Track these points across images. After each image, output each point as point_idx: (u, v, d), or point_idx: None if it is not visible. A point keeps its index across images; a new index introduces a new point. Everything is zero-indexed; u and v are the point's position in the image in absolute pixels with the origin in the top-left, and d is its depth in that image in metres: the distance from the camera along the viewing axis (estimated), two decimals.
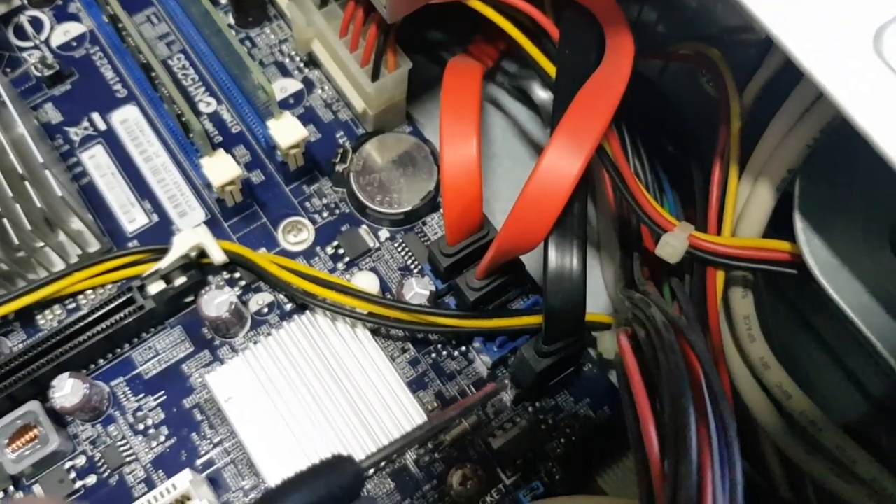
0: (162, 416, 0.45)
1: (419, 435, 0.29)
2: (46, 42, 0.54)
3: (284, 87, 0.53)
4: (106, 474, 0.44)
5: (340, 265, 0.49)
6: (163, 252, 0.46)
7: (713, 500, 0.27)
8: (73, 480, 0.44)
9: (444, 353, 0.47)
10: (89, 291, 0.47)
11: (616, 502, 0.43)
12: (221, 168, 0.46)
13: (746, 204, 0.37)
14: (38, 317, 0.47)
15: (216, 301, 0.45)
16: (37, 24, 0.55)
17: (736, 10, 0.28)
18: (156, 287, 0.45)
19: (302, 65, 0.54)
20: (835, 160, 0.35)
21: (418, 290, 0.46)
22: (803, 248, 0.34)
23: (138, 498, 0.41)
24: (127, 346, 0.47)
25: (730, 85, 0.39)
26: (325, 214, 0.50)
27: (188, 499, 0.41)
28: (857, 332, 0.33)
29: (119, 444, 0.45)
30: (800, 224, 0.34)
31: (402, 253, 0.49)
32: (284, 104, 0.53)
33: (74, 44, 0.54)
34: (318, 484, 0.24)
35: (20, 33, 0.54)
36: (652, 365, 0.33)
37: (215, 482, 0.44)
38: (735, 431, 0.28)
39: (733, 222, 0.38)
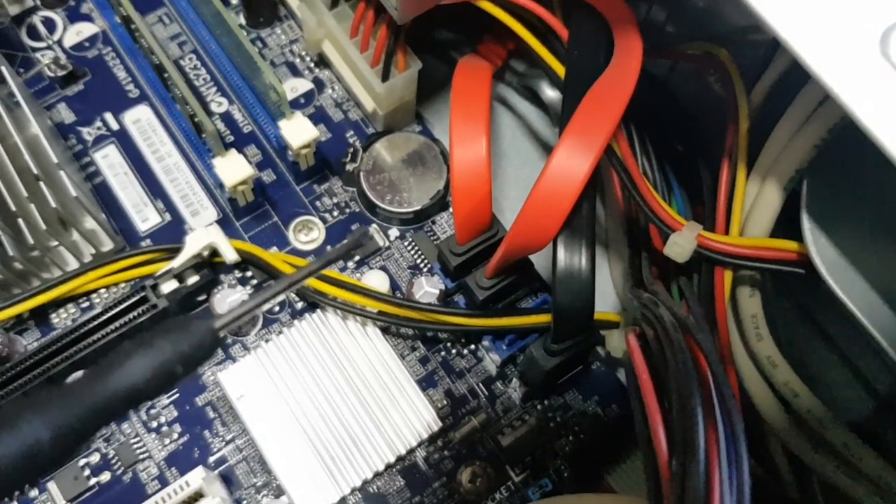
0: (175, 413, 0.46)
1: (278, 289, 0.25)
2: (59, 42, 0.55)
3: (295, 87, 0.54)
4: (120, 471, 0.45)
5: (351, 264, 0.49)
6: (175, 251, 0.46)
7: (720, 498, 0.27)
8: (88, 477, 0.44)
9: (454, 351, 0.48)
10: (103, 290, 0.48)
11: (624, 500, 0.43)
12: (234, 168, 0.46)
13: (754, 204, 0.37)
14: (53, 315, 0.48)
15: (229, 300, 0.45)
16: (50, 24, 0.55)
17: (744, 9, 0.28)
18: (169, 286, 0.46)
19: (312, 65, 0.54)
20: (842, 160, 0.35)
21: (428, 288, 0.46)
22: (811, 247, 0.34)
23: (152, 495, 0.42)
24: None
25: (738, 85, 0.39)
26: (335, 213, 0.51)
27: (201, 496, 0.42)
28: (863, 332, 0.33)
29: (133, 441, 0.45)
30: (807, 224, 0.34)
31: (412, 252, 0.50)
32: (295, 104, 0.53)
33: (87, 44, 0.55)
34: (164, 345, 0.21)
35: (33, 34, 0.55)
36: (660, 364, 0.33)
37: (228, 479, 0.45)
38: (743, 430, 0.29)
39: (741, 222, 0.38)
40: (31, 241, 0.44)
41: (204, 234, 0.46)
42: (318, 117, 0.53)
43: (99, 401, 0.20)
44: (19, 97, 0.47)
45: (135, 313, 0.45)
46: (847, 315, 0.33)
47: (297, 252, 0.49)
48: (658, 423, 0.31)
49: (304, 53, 0.54)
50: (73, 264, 0.47)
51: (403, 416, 0.45)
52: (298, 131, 0.47)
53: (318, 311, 0.47)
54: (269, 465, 0.44)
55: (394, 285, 0.49)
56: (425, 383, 0.47)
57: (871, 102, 0.26)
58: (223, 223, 0.49)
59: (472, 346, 0.48)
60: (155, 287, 0.46)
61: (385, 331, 0.47)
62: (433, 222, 0.51)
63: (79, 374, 0.43)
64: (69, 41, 0.55)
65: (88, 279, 0.46)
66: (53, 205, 0.44)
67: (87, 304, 0.48)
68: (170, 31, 0.55)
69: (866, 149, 0.27)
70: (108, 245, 0.48)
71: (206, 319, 0.21)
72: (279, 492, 0.44)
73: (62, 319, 0.48)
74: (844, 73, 0.27)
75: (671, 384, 0.31)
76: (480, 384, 0.47)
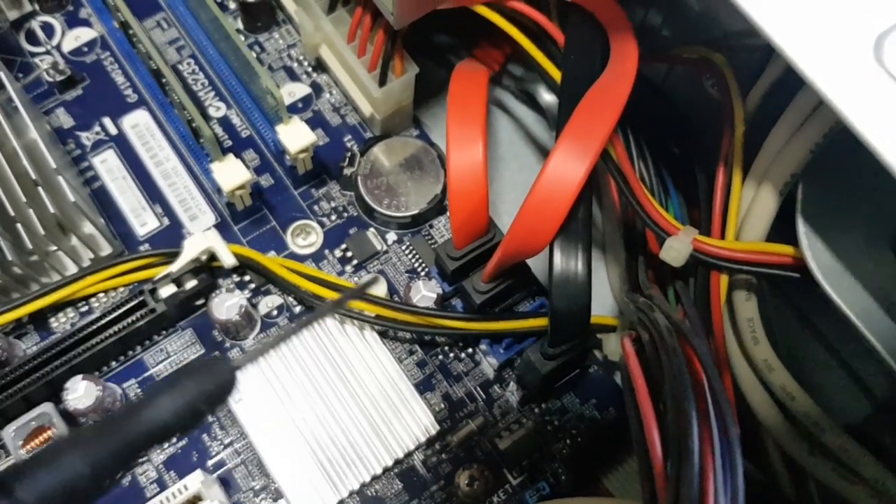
0: None
1: (299, 325, 0.27)
2: (58, 47, 0.55)
3: (293, 92, 0.54)
4: (119, 475, 0.45)
5: (348, 268, 0.50)
6: (174, 255, 0.46)
7: (714, 501, 0.27)
8: None
9: (452, 355, 0.48)
10: (101, 294, 0.48)
11: (620, 503, 0.43)
12: (231, 173, 0.46)
13: (750, 208, 0.38)
14: (52, 320, 0.48)
15: (226, 304, 0.45)
16: (48, 29, 0.55)
17: (740, 14, 0.28)
18: (167, 290, 0.46)
19: (310, 69, 0.54)
20: (837, 165, 0.35)
21: (425, 292, 0.46)
22: (806, 251, 0.34)
23: (150, 498, 0.42)
24: (139, 348, 0.47)
25: (733, 89, 0.39)
26: (333, 218, 0.51)
27: (199, 499, 0.42)
28: (859, 335, 0.33)
29: None
30: (802, 228, 0.34)
31: (410, 256, 0.50)
32: (293, 108, 0.53)
33: (86, 49, 0.55)
34: (191, 385, 0.22)
35: (32, 39, 0.55)
36: (655, 368, 0.33)
37: (226, 482, 0.45)
38: (738, 435, 0.29)
39: (737, 226, 0.38)
40: (29, 245, 0.44)
41: (202, 238, 0.46)
42: (316, 122, 0.53)
43: (131, 437, 0.21)
44: (17, 102, 0.47)
45: (133, 317, 0.45)
46: (843, 319, 0.33)
47: (295, 256, 0.50)
48: (653, 427, 0.31)
49: (301, 58, 0.55)
50: (71, 269, 0.47)
51: (401, 419, 0.45)
52: (296, 136, 0.47)
53: None
54: (267, 469, 0.44)
55: (391, 289, 0.49)
56: (423, 387, 0.47)
57: (865, 108, 0.26)
58: (221, 227, 0.50)
59: (470, 350, 0.48)
60: (153, 291, 0.46)
61: (383, 335, 0.47)
62: (431, 226, 0.51)
63: (78, 377, 0.43)
64: (68, 46, 0.55)
65: (87, 283, 0.47)
66: (52, 210, 0.44)
67: (85, 308, 0.48)
68: (168, 36, 0.55)
69: (861, 153, 0.27)
70: (106, 249, 0.48)
71: (227, 361, 0.23)
72: (277, 495, 0.44)
73: (61, 324, 0.48)
74: (838, 78, 0.27)
75: (666, 389, 0.31)
76: (478, 388, 0.47)
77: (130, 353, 0.47)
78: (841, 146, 0.34)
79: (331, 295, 0.45)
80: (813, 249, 0.34)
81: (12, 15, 0.55)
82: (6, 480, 0.19)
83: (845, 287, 0.34)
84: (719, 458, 0.28)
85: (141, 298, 0.46)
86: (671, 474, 0.29)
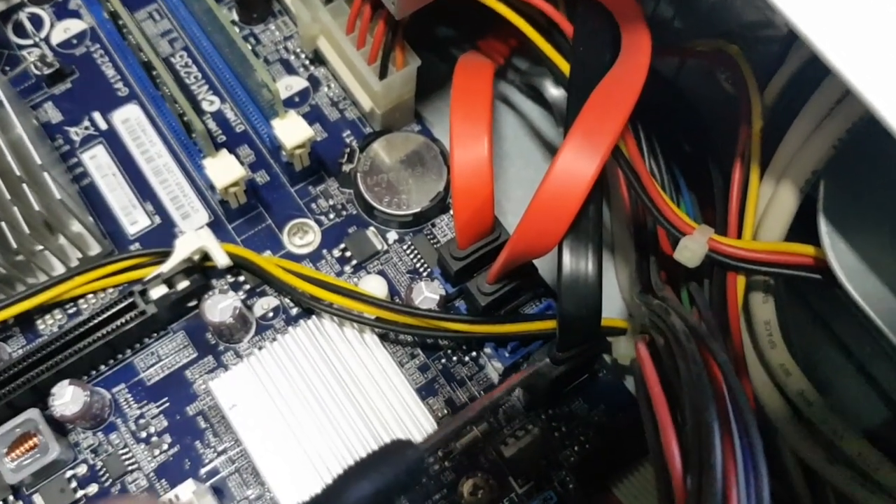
0: (165, 423, 0.44)
1: (472, 416, 0.29)
2: (46, 40, 0.53)
3: (290, 86, 0.52)
4: (108, 483, 0.43)
5: (347, 268, 0.48)
6: (165, 255, 0.45)
7: None
8: (74, 490, 0.43)
9: (455, 358, 0.46)
10: (90, 296, 0.47)
11: None
12: (224, 169, 0.45)
13: (768, 206, 0.36)
14: (39, 322, 0.46)
15: (220, 306, 0.44)
16: (36, 21, 0.54)
17: (756, 4, 0.27)
18: (158, 291, 0.45)
19: (308, 62, 0.53)
20: (861, 161, 0.33)
21: (428, 294, 0.45)
22: (828, 252, 0.32)
23: None
24: (129, 351, 0.46)
25: (750, 82, 0.38)
26: (331, 216, 0.49)
27: None
28: (883, 340, 0.32)
29: (121, 452, 0.44)
30: (824, 227, 0.33)
31: (411, 256, 0.48)
32: (289, 103, 0.52)
33: (75, 41, 0.53)
34: (386, 470, 0.24)
35: (20, 31, 0.53)
36: (672, 375, 0.32)
37: (220, 491, 0.43)
38: (762, 448, 0.27)
39: (754, 225, 0.37)
40: (14, 245, 0.43)
41: (194, 237, 0.45)
42: (314, 116, 0.52)
43: None
44: (2, 97, 0.46)
45: (123, 320, 0.44)
46: (865, 322, 0.32)
47: (291, 256, 0.48)
48: (671, 437, 0.29)
49: (298, 50, 0.53)
50: (59, 269, 0.46)
51: (402, 425, 0.43)
52: (292, 131, 0.45)
53: (314, 317, 0.46)
54: (262, 477, 0.43)
55: (392, 290, 0.47)
56: (425, 392, 0.45)
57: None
58: (215, 226, 0.48)
59: (474, 354, 0.46)
60: (143, 292, 0.44)
61: (383, 338, 0.46)
62: (433, 225, 0.49)
63: (65, 382, 0.42)
64: (56, 38, 0.53)
65: (75, 284, 0.45)
66: (37, 208, 0.43)
67: (73, 309, 0.46)
68: (160, 28, 0.54)
69: (888, 148, 0.25)
70: (95, 249, 0.46)
71: (414, 447, 0.25)
72: None
73: (48, 326, 0.46)
74: (867, 68, 0.25)
75: (684, 397, 0.30)
76: (482, 393, 0.46)
77: (120, 356, 0.46)
78: (866, 141, 0.33)
79: (328, 296, 0.44)
80: (836, 250, 0.33)
81: (0, 6, 0.53)
82: None
83: (870, 289, 0.32)
84: (742, 472, 0.27)
85: (131, 300, 0.44)
86: (691, 488, 0.28)
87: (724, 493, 0.26)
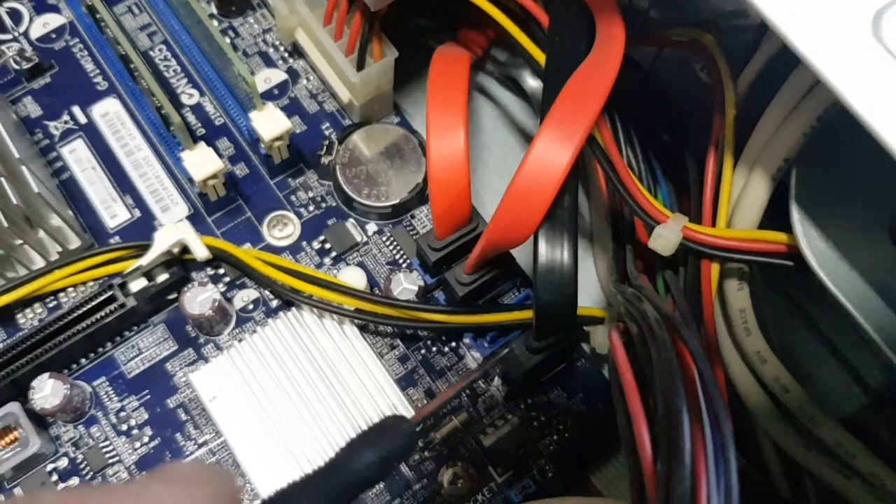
0: (145, 416, 0.44)
1: (458, 389, 0.31)
2: (25, 34, 0.53)
3: (268, 78, 0.52)
4: (89, 476, 0.43)
5: (327, 260, 0.48)
6: (145, 248, 0.45)
7: (707, 502, 0.26)
8: (56, 483, 0.43)
9: (434, 349, 0.46)
10: (70, 289, 0.46)
11: (609, 503, 0.42)
12: (203, 162, 0.45)
13: (741, 194, 0.36)
14: (18, 315, 0.46)
15: (199, 298, 0.44)
16: (15, 15, 0.53)
17: None
18: (137, 284, 0.44)
19: (286, 55, 0.53)
20: (832, 148, 0.34)
21: (407, 285, 0.45)
22: (800, 238, 0.33)
23: None
24: (109, 344, 0.46)
25: (724, 71, 0.38)
26: (311, 208, 0.49)
27: None
28: (855, 325, 0.32)
29: (102, 445, 0.44)
30: (796, 214, 0.33)
31: (391, 247, 0.48)
32: (269, 95, 0.52)
33: (54, 36, 0.53)
34: (385, 441, 0.26)
35: None
36: (644, 362, 0.32)
37: None
38: (730, 431, 0.27)
39: (728, 213, 0.37)
40: None
41: (174, 230, 0.44)
42: (293, 109, 0.51)
43: (345, 489, 0.24)
44: None
45: (103, 313, 0.44)
46: (838, 307, 0.32)
47: (271, 248, 0.48)
48: (642, 424, 0.29)
49: (277, 43, 0.53)
50: (39, 263, 0.46)
51: (382, 416, 0.43)
52: (270, 123, 0.45)
53: (294, 308, 0.46)
54: (243, 469, 0.43)
55: (372, 282, 0.47)
56: (405, 382, 0.45)
57: (864, 87, 0.25)
58: (194, 219, 0.48)
59: (453, 344, 0.46)
60: (123, 285, 0.44)
61: (363, 329, 0.46)
62: (412, 216, 0.49)
63: (45, 375, 0.42)
64: (35, 33, 0.53)
65: (55, 278, 0.45)
66: (16, 202, 0.43)
67: (53, 303, 0.46)
68: (139, 22, 0.54)
69: (857, 136, 0.26)
70: (75, 242, 0.46)
71: (408, 421, 0.26)
72: (254, 496, 0.43)
73: (28, 319, 0.46)
74: (835, 56, 0.26)
75: (656, 383, 0.30)
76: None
77: (100, 349, 0.45)
78: (836, 129, 0.33)
79: (308, 288, 0.44)
80: (807, 236, 0.33)
81: None
82: None
83: (841, 275, 0.32)
84: (712, 456, 0.27)
85: (110, 293, 0.44)
86: (661, 473, 0.28)
87: (692, 477, 0.26)
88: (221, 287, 0.47)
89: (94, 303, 0.44)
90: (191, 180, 0.47)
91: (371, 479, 0.25)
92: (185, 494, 0.21)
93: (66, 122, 0.51)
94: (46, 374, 0.42)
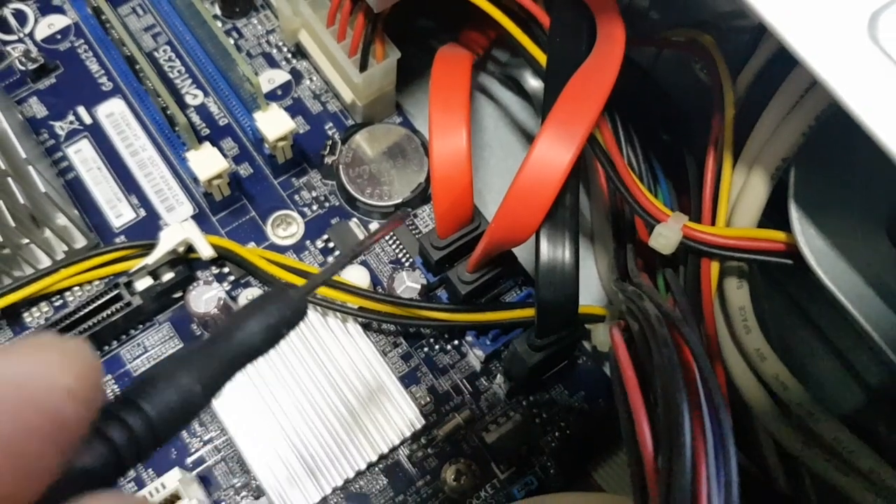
0: None
1: (347, 255, 0.30)
2: (30, 35, 0.53)
3: (272, 79, 0.52)
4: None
5: (330, 259, 0.48)
6: (150, 247, 0.45)
7: (708, 497, 0.26)
8: None
9: (437, 347, 0.47)
10: (76, 288, 0.47)
11: (611, 499, 0.43)
12: (208, 161, 0.45)
13: (741, 193, 0.37)
14: (25, 314, 0.46)
15: (204, 297, 0.44)
16: (20, 17, 0.54)
17: None
18: (143, 283, 0.45)
19: (290, 56, 0.53)
20: (830, 148, 0.34)
21: (409, 283, 0.45)
22: (798, 237, 0.33)
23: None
24: (115, 343, 0.46)
25: (723, 72, 0.38)
26: (314, 208, 0.50)
27: (178, 498, 0.41)
28: (853, 322, 0.33)
29: None
30: (795, 213, 0.33)
31: (393, 246, 0.49)
32: (272, 96, 0.52)
33: (59, 36, 0.53)
34: (271, 308, 0.24)
35: (3, 26, 0.53)
36: (645, 359, 0.32)
37: (206, 480, 0.44)
38: (730, 427, 0.28)
39: (728, 212, 0.37)
40: (0, 238, 0.43)
41: (179, 229, 0.45)
42: (296, 109, 0.52)
43: (230, 357, 0.23)
44: None
45: (109, 311, 0.44)
46: (837, 306, 0.33)
47: (275, 247, 0.48)
48: (643, 419, 0.30)
49: (280, 44, 0.53)
50: (45, 262, 0.46)
51: (385, 413, 0.44)
52: (274, 123, 0.46)
53: None
54: (248, 466, 0.43)
55: (375, 280, 0.48)
56: (408, 380, 0.46)
57: (860, 87, 0.25)
58: (199, 218, 0.48)
59: (456, 342, 0.47)
60: (129, 284, 0.45)
61: (366, 327, 0.46)
62: (415, 216, 0.50)
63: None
64: (41, 34, 0.53)
65: (61, 277, 0.45)
66: (23, 201, 0.43)
67: (60, 302, 0.47)
68: (144, 23, 0.54)
69: (855, 135, 0.26)
70: (81, 242, 0.47)
71: (297, 289, 0.25)
72: (259, 493, 0.43)
73: (35, 318, 0.46)
74: (832, 57, 0.26)
75: (656, 380, 0.30)
76: (464, 380, 0.46)
77: (106, 348, 0.46)
78: (834, 129, 0.33)
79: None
80: (806, 235, 0.33)
81: None
82: (131, 397, 0.20)
83: (839, 273, 0.33)
84: (712, 451, 0.27)
85: (116, 292, 0.44)
86: (662, 468, 0.28)
87: (693, 471, 0.27)
88: (226, 286, 0.47)
89: (99, 301, 0.44)
90: (195, 180, 0.48)
91: (256, 349, 0.24)
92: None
93: (71, 123, 0.51)
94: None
